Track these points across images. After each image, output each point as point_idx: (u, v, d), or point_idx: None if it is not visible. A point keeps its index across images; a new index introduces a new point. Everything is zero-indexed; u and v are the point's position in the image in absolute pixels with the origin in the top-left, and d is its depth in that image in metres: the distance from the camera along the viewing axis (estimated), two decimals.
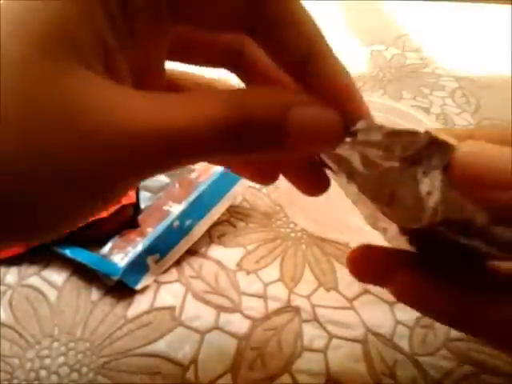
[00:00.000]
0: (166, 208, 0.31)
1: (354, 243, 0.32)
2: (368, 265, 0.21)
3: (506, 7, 0.69)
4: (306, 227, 0.33)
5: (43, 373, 0.24)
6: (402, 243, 0.21)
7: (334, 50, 0.17)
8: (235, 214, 0.34)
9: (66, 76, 0.14)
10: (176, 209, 0.31)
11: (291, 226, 0.33)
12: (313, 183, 0.21)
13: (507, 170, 0.15)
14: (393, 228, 0.20)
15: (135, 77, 0.17)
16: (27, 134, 0.14)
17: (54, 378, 0.24)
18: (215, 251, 0.31)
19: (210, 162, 0.22)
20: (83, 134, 0.14)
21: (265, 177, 0.22)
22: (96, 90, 0.15)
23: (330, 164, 0.19)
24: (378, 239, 0.32)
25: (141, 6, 0.15)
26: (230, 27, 0.17)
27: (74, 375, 0.24)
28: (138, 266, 0.28)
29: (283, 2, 0.16)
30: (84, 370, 0.24)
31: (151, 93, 0.16)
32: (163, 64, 0.19)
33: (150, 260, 0.29)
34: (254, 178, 0.23)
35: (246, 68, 0.20)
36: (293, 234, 0.32)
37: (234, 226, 0.33)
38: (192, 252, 0.31)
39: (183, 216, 0.30)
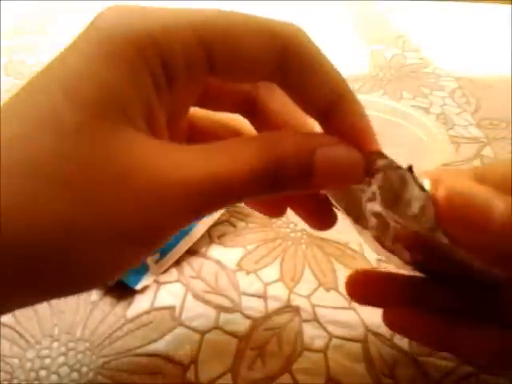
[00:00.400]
0: None
1: (354, 243, 0.32)
2: (363, 290, 0.23)
3: (506, 7, 0.69)
4: (306, 227, 0.33)
5: (43, 373, 0.24)
6: (407, 270, 0.22)
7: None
8: (235, 214, 0.34)
9: (116, 138, 0.15)
10: None
11: (291, 226, 0.33)
12: (320, 219, 0.23)
13: (482, 213, 0.16)
14: (395, 259, 0.21)
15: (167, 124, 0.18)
16: (82, 192, 0.15)
17: (53, 377, 0.24)
18: (215, 251, 0.31)
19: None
20: (135, 191, 0.15)
21: (274, 211, 0.24)
22: (143, 149, 0.16)
23: (339, 208, 0.20)
24: None
25: (182, 65, 0.16)
26: (261, 78, 0.18)
27: (74, 375, 0.24)
28: (139, 267, 0.28)
29: (310, 54, 0.17)
30: (84, 369, 0.24)
31: (191, 146, 0.17)
32: (189, 109, 0.20)
33: (149, 260, 0.29)
34: (264, 211, 0.24)
35: (258, 114, 0.21)
36: (293, 234, 0.32)
37: (234, 226, 0.33)
38: (192, 252, 0.31)
39: None
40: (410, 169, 0.16)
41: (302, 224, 0.33)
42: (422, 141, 0.30)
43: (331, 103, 0.18)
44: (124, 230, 0.15)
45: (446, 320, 0.20)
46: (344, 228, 0.32)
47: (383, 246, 0.20)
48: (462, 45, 0.61)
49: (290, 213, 0.34)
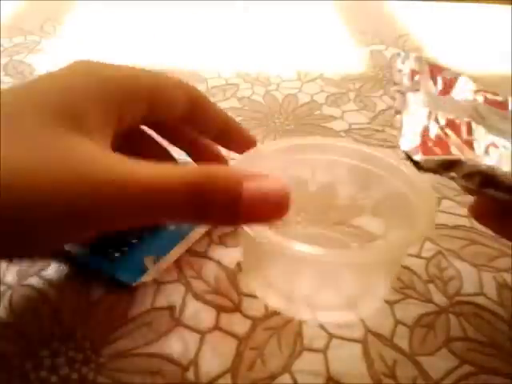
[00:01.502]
0: None
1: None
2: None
3: (506, 7, 0.69)
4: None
5: (43, 373, 0.24)
6: None
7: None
8: None
9: (69, 139, 0.19)
10: None
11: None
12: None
13: None
14: None
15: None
16: (38, 174, 0.18)
17: (53, 378, 0.24)
18: (215, 251, 0.31)
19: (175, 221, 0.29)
20: (79, 181, 0.18)
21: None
22: (89, 151, 0.20)
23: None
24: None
25: (133, 115, 0.24)
26: (178, 122, 0.27)
27: (74, 375, 0.24)
28: (135, 265, 0.28)
29: (204, 102, 0.27)
30: (84, 369, 0.24)
31: (140, 161, 0.20)
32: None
33: (147, 260, 0.29)
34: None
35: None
36: None
37: None
38: (192, 252, 0.31)
39: None
40: None
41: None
42: None
43: (221, 130, 0.28)
44: (68, 208, 0.18)
45: None
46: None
47: None
48: (462, 45, 0.61)
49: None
